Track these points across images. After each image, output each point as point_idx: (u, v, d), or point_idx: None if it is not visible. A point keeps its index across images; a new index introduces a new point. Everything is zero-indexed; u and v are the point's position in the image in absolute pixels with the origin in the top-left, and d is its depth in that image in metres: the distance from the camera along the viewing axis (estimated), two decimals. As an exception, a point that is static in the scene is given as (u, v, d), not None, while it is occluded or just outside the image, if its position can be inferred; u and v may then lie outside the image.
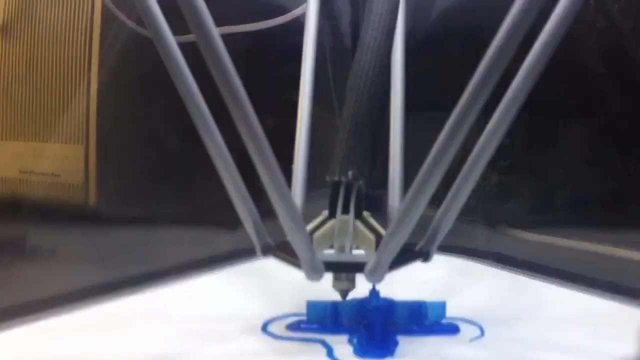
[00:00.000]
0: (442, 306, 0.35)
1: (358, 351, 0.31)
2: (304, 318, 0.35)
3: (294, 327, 0.35)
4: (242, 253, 0.50)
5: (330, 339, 0.33)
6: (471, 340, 0.33)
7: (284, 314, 0.36)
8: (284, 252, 0.31)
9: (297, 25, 0.57)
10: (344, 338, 0.33)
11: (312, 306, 0.35)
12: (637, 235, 0.51)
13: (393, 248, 0.28)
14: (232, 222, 0.56)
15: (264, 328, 0.34)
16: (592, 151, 0.59)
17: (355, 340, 0.33)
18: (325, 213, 0.34)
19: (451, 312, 0.35)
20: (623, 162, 0.57)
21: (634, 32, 0.55)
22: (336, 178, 0.33)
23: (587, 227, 0.54)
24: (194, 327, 0.35)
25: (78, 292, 0.39)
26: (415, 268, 0.33)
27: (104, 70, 0.54)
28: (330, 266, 0.31)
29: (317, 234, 0.33)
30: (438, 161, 0.24)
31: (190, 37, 0.23)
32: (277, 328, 0.35)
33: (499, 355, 0.31)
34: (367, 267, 0.30)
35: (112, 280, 0.42)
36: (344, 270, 0.33)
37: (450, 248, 0.51)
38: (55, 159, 0.55)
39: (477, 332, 0.34)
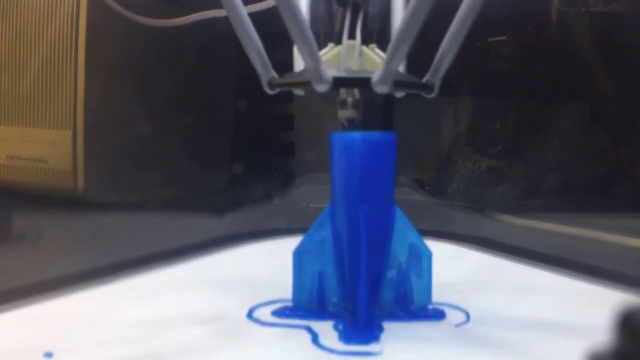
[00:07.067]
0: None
1: (343, 337, 0.31)
2: (289, 304, 0.35)
3: (279, 313, 0.35)
4: (229, 239, 0.50)
5: (316, 325, 0.33)
6: (457, 325, 0.33)
7: (269, 300, 0.36)
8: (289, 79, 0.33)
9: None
10: (329, 324, 0.33)
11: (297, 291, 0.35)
12: (633, 221, 0.51)
13: (399, 55, 0.28)
14: (220, 208, 0.56)
15: (249, 314, 0.34)
16: (582, 136, 0.59)
17: (340, 326, 0.33)
18: (331, 45, 0.34)
19: (437, 297, 0.35)
20: (613, 147, 0.57)
21: (626, 17, 0.55)
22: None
23: (578, 212, 0.54)
24: (178, 313, 0.35)
25: (64, 277, 0.39)
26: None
27: (92, 55, 0.54)
28: (338, 81, 0.31)
29: (323, 57, 0.32)
30: None
31: None
32: (262, 314, 0.34)
33: (484, 340, 0.31)
34: (375, 77, 0.29)
35: (99, 266, 0.41)
36: (352, 85, 0.33)
37: (438, 233, 0.51)
38: (43, 144, 0.54)
39: (463, 317, 0.34)
